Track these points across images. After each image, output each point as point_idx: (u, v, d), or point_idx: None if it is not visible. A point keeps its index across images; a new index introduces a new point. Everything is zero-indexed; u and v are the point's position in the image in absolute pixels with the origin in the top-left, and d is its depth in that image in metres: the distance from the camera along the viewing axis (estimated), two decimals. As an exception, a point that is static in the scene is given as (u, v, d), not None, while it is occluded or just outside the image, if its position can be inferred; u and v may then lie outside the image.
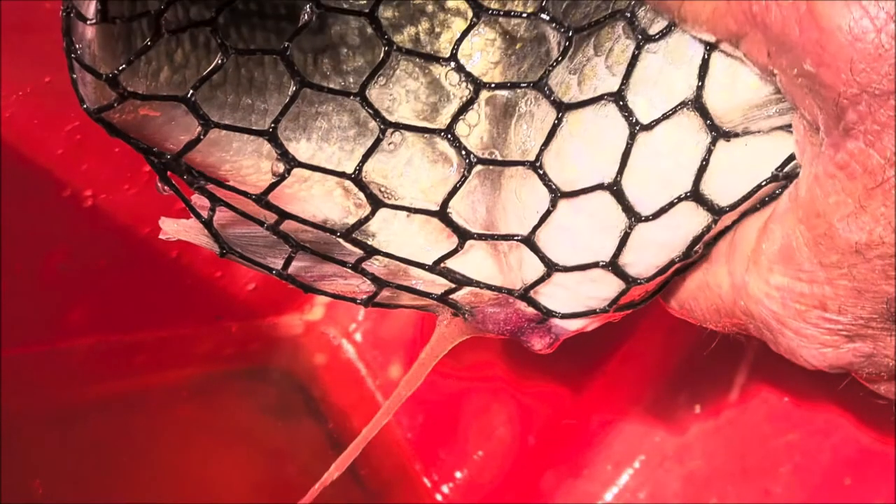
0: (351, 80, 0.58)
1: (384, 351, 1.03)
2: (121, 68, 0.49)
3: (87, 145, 0.81)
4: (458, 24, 0.57)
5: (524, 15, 0.53)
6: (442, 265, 0.58)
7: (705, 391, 0.95)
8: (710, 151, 0.52)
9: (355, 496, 0.99)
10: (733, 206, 0.53)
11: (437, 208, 0.56)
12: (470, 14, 0.57)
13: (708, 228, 0.54)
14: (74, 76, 0.50)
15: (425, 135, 0.58)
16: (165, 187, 0.55)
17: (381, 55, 0.53)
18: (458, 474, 1.00)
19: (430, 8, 0.58)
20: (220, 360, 1.00)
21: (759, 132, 0.51)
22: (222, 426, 0.96)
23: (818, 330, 0.51)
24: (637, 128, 0.51)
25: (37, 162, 0.80)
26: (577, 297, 0.58)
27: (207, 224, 0.56)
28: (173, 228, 0.58)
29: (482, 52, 0.58)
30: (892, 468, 0.88)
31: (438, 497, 0.99)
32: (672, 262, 0.55)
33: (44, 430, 0.84)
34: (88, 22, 0.48)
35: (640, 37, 0.51)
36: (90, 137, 0.80)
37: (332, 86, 0.57)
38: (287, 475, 0.95)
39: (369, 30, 0.57)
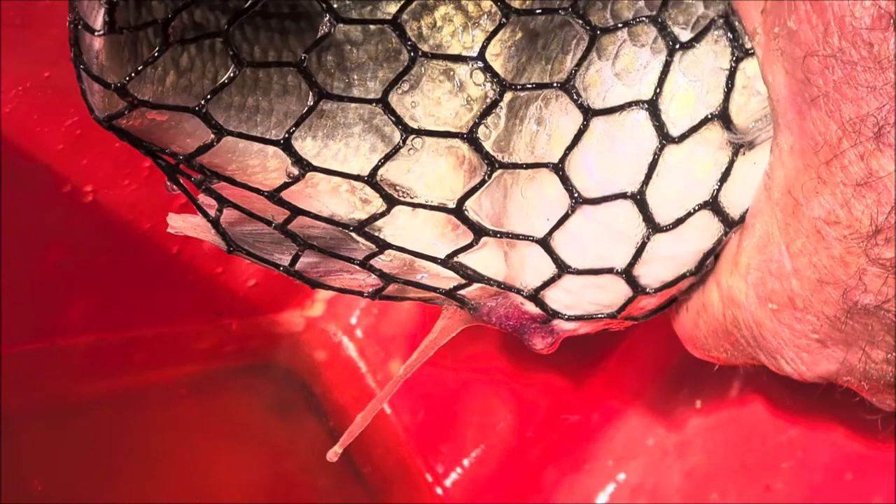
0: (355, 76, 0.58)
1: (385, 347, 1.03)
2: (128, 78, 0.49)
3: (86, 140, 0.81)
4: (460, 18, 0.57)
5: (560, 11, 0.53)
6: (453, 260, 0.58)
7: (706, 387, 0.95)
8: (731, 162, 0.52)
9: (357, 494, 0.99)
10: (743, 217, 0.54)
11: (452, 205, 0.56)
12: (471, 7, 0.57)
13: (719, 241, 0.55)
14: (83, 86, 0.49)
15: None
16: (174, 187, 0.55)
17: (406, 61, 0.53)
18: (459, 470, 1.00)
19: (431, 2, 0.58)
20: (221, 356, 1.00)
21: (761, 144, 0.52)
22: (222, 423, 0.96)
23: (792, 333, 0.52)
24: (664, 141, 0.52)
25: (36, 157, 0.79)
26: (579, 302, 0.58)
27: (215, 223, 0.57)
28: (180, 224, 0.58)
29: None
30: (893, 464, 0.88)
31: (439, 492, 0.99)
32: (683, 276, 0.56)
33: (43, 428, 0.84)
34: (96, 33, 0.48)
35: (671, 44, 0.51)
36: (90, 132, 0.80)
37: (336, 83, 0.57)
38: (287, 472, 0.95)
39: (372, 26, 0.57)
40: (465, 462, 1.00)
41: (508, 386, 1.00)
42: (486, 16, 0.57)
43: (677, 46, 0.51)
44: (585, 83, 0.53)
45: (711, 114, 0.51)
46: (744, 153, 0.52)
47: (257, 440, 0.96)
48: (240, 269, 0.96)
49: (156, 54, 0.49)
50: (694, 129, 0.52)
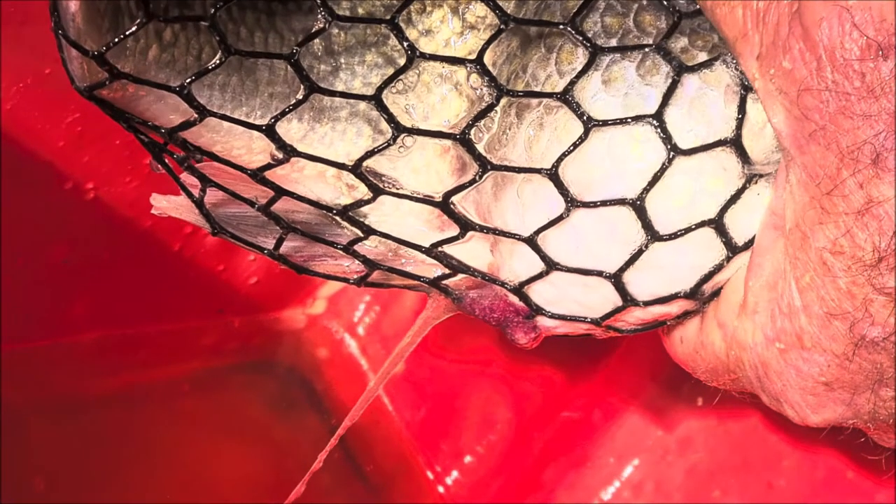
0: (343, 60, 0.57)
1: (386, 345, 1.03)
2: (105, 48, 0.49)
3: (88, 137, 0.81)
4: (450, 2, 0.57)
5: (560, 26, 0.52)
6: (438, 249, 0.58)
7: (708, 384, 0.95)
8: (744, 187, 0.52)
9: (359, 491, 0.99)
10: (746, 246, 0.53)
11: (439, 195, 0.56)
12: None
13: (718, 267, 0.54)
14: (63, 55, 0.50)
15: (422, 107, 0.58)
16: (158, 166, 0.55)
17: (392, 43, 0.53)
18: (460, 467, 1.00)
19: None
20: (223, 354, 1.00)
21: (772, 176, 0.52)
22: (225, 420, 0.96)
23: (798, 374, 0.52)
24: (673, 154, 0.52)
25: (38, 154, 0.80)
26: (563, 298, 0.57)
27: (199, 203, 0.56)
28: (163, 205, 0.58)
29: (472, 30, 0.57)
30: (894, 462, 0.88)
31: (441, 490, 0.99)
32: (676, 295, 0.55)
33: (46, 425, 0.84)
34: None
35: (677, 67, 0.52)
36: (91, 129, 0.80)
37: (323, 66, 0.57)
38: (289, 469, 0.95)
39: (360, 10, 0.57)
40: (467, 460, 1.00)
41: (509, 383, 1.00)
42: (474, 2, 0.57)
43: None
44: (607, 77, 0.53)
45: (725, 138, 0.52)
46: (756, 181, 0.52)
47: (259, 437, 0.96)
48: (242, 266, 0.97)
49: (136, 26, 0.49)
50: (707, 147, 0.52)
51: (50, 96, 0.77)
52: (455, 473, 1.00)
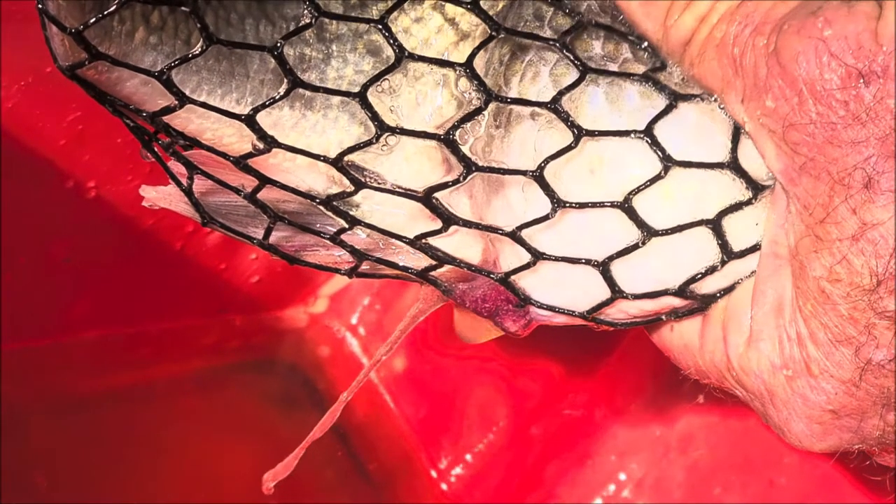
0: (334, 48, 0.57)
1: (387, 343, 1.03)
2: (83, 25, 0.49)
3: (89, 135, 0.81)
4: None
5: (551, 42, 0.53)
6: (423, 241, 0.57)
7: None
8: (749, 201, 0.52)
9: (362, 490, 0.99)
10: (743, 254, 0.53)
11: (423, 187, 0.55)
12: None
13: (710, 270, 0.54)
14: (46, 33, 0.49)
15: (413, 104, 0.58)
16: (148, 154, 0.55)
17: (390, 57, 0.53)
18: (462, 465, 1.00)
19: None
20: (225, 352, 1.00)
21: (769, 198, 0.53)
22: (227, 418, 0.96)
23: (805, 403, 0.52)
24: (668, 163, 0.52)
25: (39, 153, 0.80)
26: (562, 282, 0.57)
27: (187, 192, 0.56)
28: (153, 195, 0.58)
29: (464, 16, 0.57)
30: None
31: (444, 487, 1.00)
32: (665, 292, 0.55)
33: (48, 423, 0.84)
34: None
35: (671, 97, 0.52)
36: (92, 127, 0.81)
37: (314, 53, 0.57)
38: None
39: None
40: (469, 457, 1.00)
41: (511, 381, 1.00)
42: None
43: (673, 97, 0.52)
44: (624, 68, 0.53)
45: (722, 162, 0.52)
46: (760, 200, 0.52)
47: (261, 435, 0.96)
48: (243, 265, 0.97)
49: (115, 5, 0.49)
50: (702, 166, 0.52)
51: (51, 95, 0.77)
52: (457, 470, 1.00)
